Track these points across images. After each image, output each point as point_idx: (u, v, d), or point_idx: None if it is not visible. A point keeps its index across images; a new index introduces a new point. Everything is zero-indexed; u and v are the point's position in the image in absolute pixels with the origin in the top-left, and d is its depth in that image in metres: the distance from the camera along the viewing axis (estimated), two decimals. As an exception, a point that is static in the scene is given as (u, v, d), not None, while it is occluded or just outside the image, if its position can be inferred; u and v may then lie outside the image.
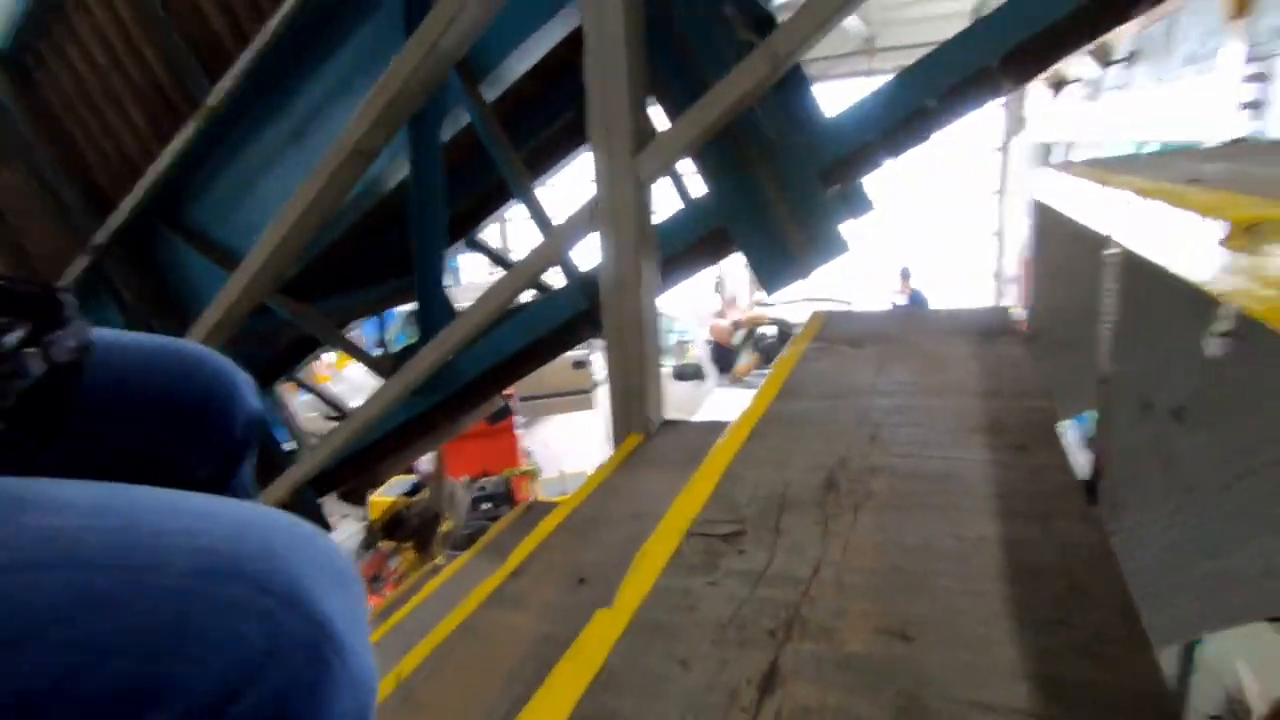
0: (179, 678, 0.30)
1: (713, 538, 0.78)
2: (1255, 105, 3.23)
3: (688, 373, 8.32)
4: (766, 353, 7.85)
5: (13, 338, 0.44)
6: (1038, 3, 1.31)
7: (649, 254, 1.44)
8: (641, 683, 0.59)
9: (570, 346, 1.93)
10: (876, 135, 1.43)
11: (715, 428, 1.32)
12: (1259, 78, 3.20)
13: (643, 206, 1.40)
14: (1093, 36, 1.33)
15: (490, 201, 2.73)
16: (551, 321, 1.83)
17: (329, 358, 6.93)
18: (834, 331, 1.50)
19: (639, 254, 1.40)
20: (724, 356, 8.28)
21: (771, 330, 8.12)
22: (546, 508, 2.01)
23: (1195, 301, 0.53)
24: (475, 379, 1.97)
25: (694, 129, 1.33)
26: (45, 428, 0.48)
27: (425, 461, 4.47)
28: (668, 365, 7.90)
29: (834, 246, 1.52)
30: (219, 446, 0.64)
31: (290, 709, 0.32)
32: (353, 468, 2.36)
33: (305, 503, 2.35)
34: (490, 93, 1.84)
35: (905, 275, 7.63)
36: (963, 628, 0.59)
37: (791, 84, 1.47)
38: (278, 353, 2.90)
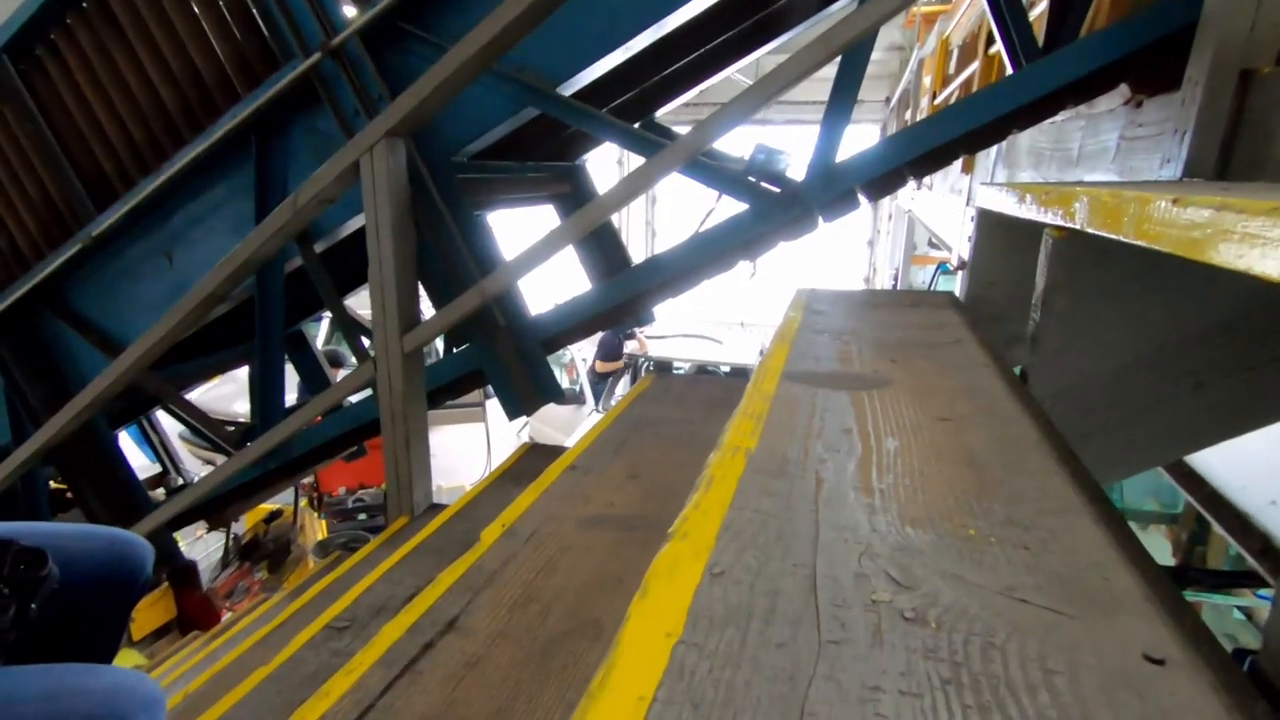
0: None
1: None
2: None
3: (569, 396, 8.96)
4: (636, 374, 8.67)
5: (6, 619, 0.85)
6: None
7: (415, 393, 2.09)
8: None
9: (367, 439, 2.54)
10: (576, 322, 2.14)
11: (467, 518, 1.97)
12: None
13: (412, 364, 2.04)
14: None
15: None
16: (353, 423, 2.45)
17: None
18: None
19: (406, 395, 2.04)
20: (601, 382, 9.03)
21: (650, 362, 8.91)
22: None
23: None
24: (302, 455, 2.57)
25: (443, 321, 2.00)
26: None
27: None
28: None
29: (550, 394, 2.21)
30: (130, 605, 1.14)
31: None
32: (205, 511, 2.89)
33: (163, 538, 2.86)
34: (322, 245, 2.43)
35: None
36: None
37: (512, 293, 2.16)
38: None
